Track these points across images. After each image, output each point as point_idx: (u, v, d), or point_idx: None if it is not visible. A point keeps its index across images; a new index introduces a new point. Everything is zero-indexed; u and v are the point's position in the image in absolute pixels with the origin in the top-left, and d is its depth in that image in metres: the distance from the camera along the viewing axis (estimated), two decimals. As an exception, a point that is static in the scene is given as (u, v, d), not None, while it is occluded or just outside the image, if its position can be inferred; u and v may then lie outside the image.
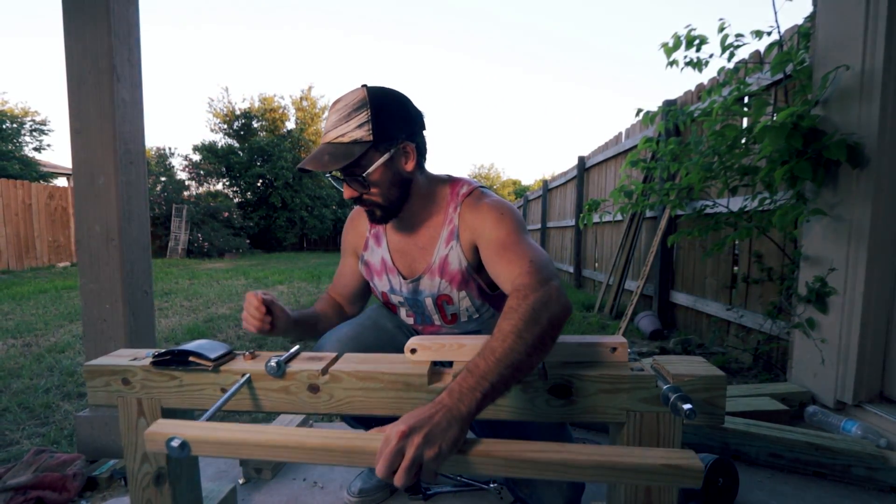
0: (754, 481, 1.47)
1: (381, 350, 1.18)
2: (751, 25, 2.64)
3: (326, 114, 1.11)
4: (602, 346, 0.87)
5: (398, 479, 0.64)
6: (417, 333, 1.33)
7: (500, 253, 1.02)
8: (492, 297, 1.23)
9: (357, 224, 1.32)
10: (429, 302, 1.22)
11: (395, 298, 1.27)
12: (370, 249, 1.28)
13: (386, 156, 1.07)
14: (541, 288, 0.86)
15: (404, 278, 1.23)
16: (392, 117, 1.07)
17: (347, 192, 1.09)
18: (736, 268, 3.00)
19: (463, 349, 0.89)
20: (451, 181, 1.22)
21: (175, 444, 0.69)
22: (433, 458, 0.65)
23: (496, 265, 1.03)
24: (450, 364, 0.91)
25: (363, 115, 1.04)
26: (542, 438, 1.13)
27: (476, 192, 1.18)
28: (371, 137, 1.04)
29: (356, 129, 1.04)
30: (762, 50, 2.55)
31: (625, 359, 0.87)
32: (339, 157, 1.02)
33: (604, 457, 0.68)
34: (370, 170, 1.06)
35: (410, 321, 1.31)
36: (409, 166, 1.11)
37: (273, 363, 0.88)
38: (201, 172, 17.17)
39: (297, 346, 0.98)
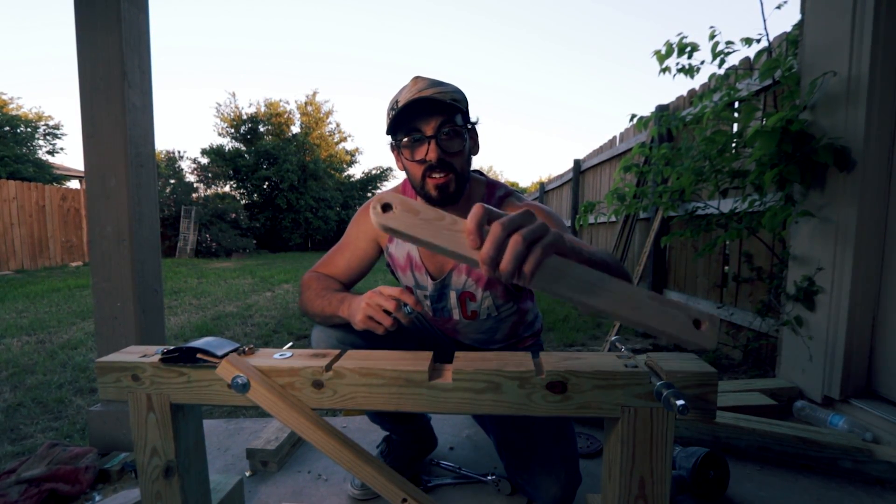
0: (744, 474, 1.49)
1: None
2: (740, 33, 2.67)
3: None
4: (685, 313, 0.69)
5: (505, 264, 0.59)
6: (429, 324, 1.36)
7: None
8: (518, 296, 1.25)
9: None
10: (453, 295, 1.23)
11: (419, 293, 1.27)
12: (395, 242, 1.26)
13: (470, 126, 1.12)
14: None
15: (433, 278, 1.23)
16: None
17: (434, 153, 1.05)
18: (726, 267, 3.02)
19: (443, 220, 0.65)
20: (487, 182, 1.23)
21: (240, 381, 0.88)
22: (545, 244, 0.61)
23: None
24: (450, 360, 0.92)
25: (454, 86, 1.08)
26: (546, 431, 1.16)
27: (514, 195, 1.20)
28: (466, 104, 1.09)
29: (454, 92, 1.07)
30: (752, 56, 2.57)
31: (713, 339, 0.69)
32: (453, 102, 1.04)
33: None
34: (468, 129, 1.10)
35: (430, 313, 1.32)
36: (475, 152, 1.15)
37: (240, 381, 0.89)
38: (209, 175, 17.23)
39: (287, 348, 1.01)
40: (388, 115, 1.10)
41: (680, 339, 0.67)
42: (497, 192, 1.20)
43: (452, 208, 1.19)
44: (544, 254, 0.60)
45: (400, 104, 1.05)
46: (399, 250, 1.26)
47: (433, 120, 1.04)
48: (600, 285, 0.65)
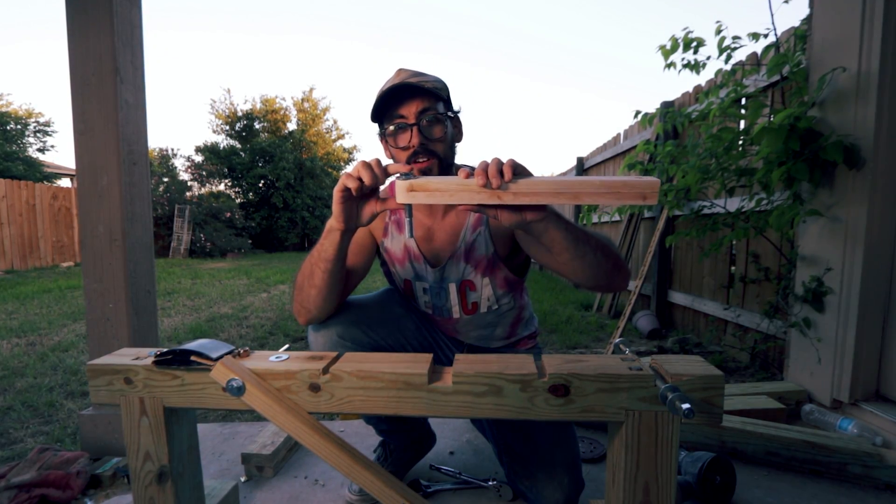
0: (751, 479, 1.48)
1: (383, 327, 1.23)
2: (748, 27, 2.65)
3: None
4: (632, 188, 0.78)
5: (492, 171, 0.78)
6: (429, 322, 1.35)
7: None
8: (516, 283, 1.26)
9: None
10: (452, 288, 1.23)
11: (419, 286, 1.26)
12: (390, 236, 1.26)
13: (451, 114, 1.16)
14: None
15: (431, 266, 1.22)
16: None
17: (416, 138, 1.08)
18: (733, 268, 3.01)
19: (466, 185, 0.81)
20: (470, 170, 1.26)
21: (235, 384, 0.87)
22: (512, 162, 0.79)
23: None
24: (450, 362, 0.91)
25: (436, 76, 1.14)
26: (548, 436, 1.15)
27: None
28: (447, 93, 1.15)
29: (435, 81, 1.12)
30: (759, 52, 2.54)
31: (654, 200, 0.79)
32: (434, 89, 1.09)
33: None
34: (450, 114, 1.15)
35: (429, 311, 1.31)
36: (459, 139, 1.20)
37: (234, 384, 0.87)
38: (203, 173, 17.18)
39: (284, 350, 0.99)
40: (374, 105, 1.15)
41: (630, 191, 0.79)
42: None
43: (435, 219, 1.23)
44: (514, 163, 0.80)
45: (382, 91, 1.10)
46: (395, 244, 1.26)
47: (414, 106, 1.08)
48: (563, 184, 0.81)
